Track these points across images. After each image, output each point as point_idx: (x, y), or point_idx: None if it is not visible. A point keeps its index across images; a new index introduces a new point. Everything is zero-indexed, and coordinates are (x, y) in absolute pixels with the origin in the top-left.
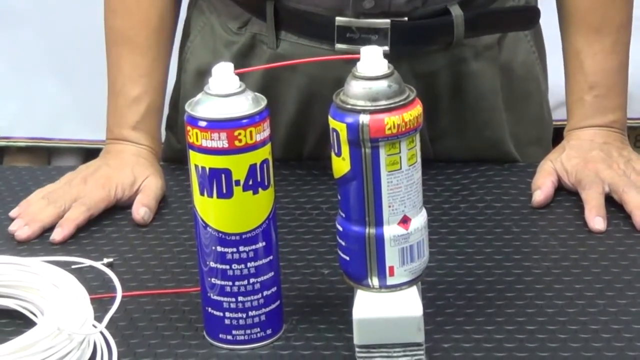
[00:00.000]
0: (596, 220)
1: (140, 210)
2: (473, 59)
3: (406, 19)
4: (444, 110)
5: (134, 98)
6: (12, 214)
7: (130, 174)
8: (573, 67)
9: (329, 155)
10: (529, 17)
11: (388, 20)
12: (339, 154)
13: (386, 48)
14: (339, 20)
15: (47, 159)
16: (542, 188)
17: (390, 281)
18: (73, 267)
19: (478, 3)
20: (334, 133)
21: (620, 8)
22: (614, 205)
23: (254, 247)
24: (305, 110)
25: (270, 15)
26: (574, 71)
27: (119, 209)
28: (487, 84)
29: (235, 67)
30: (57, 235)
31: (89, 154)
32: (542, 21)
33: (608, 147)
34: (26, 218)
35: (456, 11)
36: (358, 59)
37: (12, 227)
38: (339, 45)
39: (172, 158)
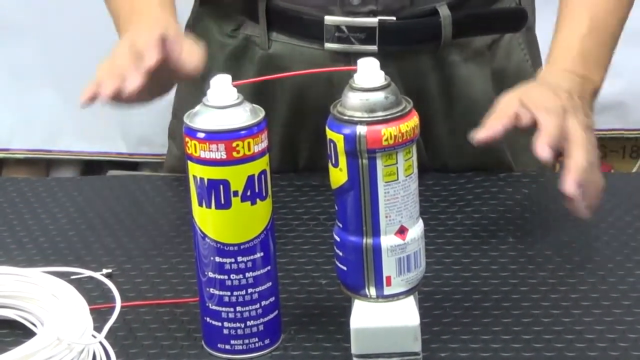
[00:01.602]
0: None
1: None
2: (462, 63)
3: (394, 18)
4: (435, 115)
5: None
6: (86, 96)
7: (172, 20)
8: (569, 13)
9: (325, 166)
10: (517, 20)
11: (376, 20)
12: (336, 165)
13: (374, 47)
14: (328, 19)
15: (45, 171)
16: (487, 127)
17: (387, 291)
18: (72, 277)
19: (467, 4)
20: (331, 144)
21: (620, 9)
22: (610, 216)
23: (252, 257)
24: (298, 110)
25: (262, 16)
26: (566, 21)
27: (116, 220)
28: (479, 89)
29: (228, 69)
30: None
31: (88, 165)
32: (538, 30)
33: (567, 94)
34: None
35: (444, 12)
36: (355, 71)
37: (106, 90)
38: (328, 45)
39: (173, 166)
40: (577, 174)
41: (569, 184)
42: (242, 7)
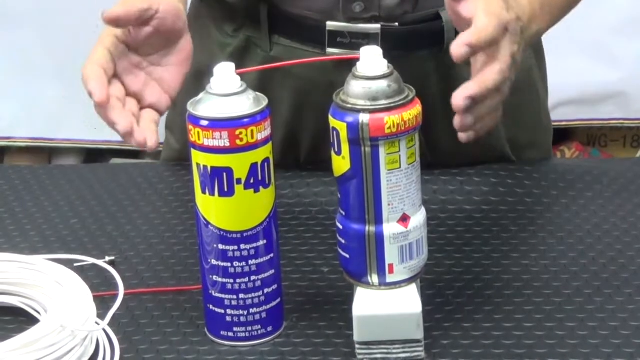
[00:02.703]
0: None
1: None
2: (464, 65)
3: (397, 24)
4: (437, 116)
5: None
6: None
7: None
8: None
9: (324, 159)
10: None
11: (378, 26)
12: (339, 153)
13: None
14: (330, 25)
15: (47, 159)
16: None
17: (389, 279)
18: (75, 265)
19: None
20: (334, 132)
21: None
22: (611, 204)
23: (255, 245)
24: (298, 113)
25: (264, 19)
26: None
27: (119, 208)
28: None
29: None
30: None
31: (90, 154)
32: None
33: (519, 16)
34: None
35: (446, 16)
36: (357, 59)
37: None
38: (330, 50)
39: (171, 158)
40: (474, 89)
41: (459, 96)
42: (243, 9)
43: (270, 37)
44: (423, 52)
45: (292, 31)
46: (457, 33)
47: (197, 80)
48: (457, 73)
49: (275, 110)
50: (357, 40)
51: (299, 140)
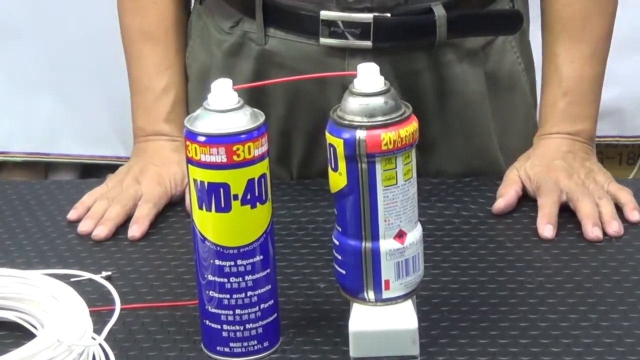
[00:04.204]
0: (546, 227)
1: None
2: (456, 63)
3: (389, 15)
4: (429, 115)
5: (162, 90)
6: (71, 216)
7: (178, 169)
8: (549, 72)
9: (319, 170)
10: (512, 22)
11: (371, 15)
12: (335, 169)
13: (369, 43)
14: (324, 14)
15: (44, 174)
16: (504, 196)
17: (385, 295)
18: (72, 280)
19: (462, 5)
20: (331, 148)
21: (603, 20)
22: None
23: (251, 260)
24: (292, 109)
25: (259, 12)
26: (550, 75)
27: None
28: (472, 90)
29: (225, 65)
30: (136, 232)
31: (86, 168)
32: (531, 34)
33: (572, 156)
34: (95, 218)
35: (439, 11)
36: (354, 76)
37: (84, 228)
38: (323, 40)
39: None
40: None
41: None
42: (239, 3)
43: (265, 30)
44: (415, 45)
45: (286, 22)
46: (450, 29)
47: (200, 80)
48: (450, 70)
49: (270, 107)
50: (350, 30)
51: (292, 143)
